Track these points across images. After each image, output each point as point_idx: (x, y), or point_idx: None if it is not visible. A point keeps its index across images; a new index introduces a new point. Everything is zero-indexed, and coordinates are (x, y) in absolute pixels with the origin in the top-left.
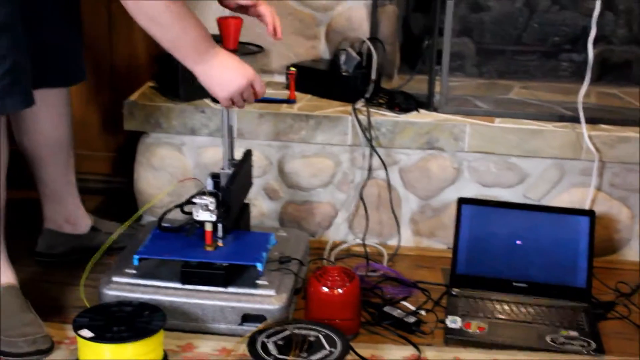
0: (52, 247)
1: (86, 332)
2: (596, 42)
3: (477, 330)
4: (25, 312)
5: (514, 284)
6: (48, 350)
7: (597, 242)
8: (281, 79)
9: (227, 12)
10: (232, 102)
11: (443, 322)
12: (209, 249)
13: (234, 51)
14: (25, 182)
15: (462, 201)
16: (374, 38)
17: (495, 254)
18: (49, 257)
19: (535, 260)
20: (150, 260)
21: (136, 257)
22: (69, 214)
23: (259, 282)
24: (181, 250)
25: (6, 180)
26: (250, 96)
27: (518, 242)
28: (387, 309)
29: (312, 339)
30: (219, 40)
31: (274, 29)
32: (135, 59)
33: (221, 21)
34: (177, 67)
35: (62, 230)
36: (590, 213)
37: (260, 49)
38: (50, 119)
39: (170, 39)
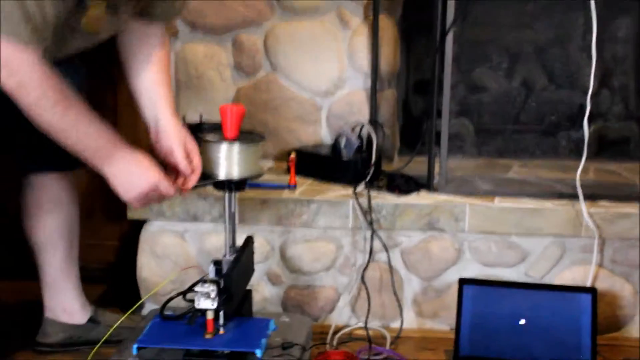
0: (49, 336)
1: None
2: (592, 119)
3: None
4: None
5: None
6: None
7: (600, 320)
8: (283, 164)
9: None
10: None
11: None
12: (209, 336)
13: (235, 140)
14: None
15: (463, 282)
16: (374, 121)
17: (498, 335)
18: (45, 346)
19: (538, 340)
20: (151, 349)
21: (135, 346)
22: (66, 303)
23: None
24: (182, 338)
25: None
26: (157, 198)
27: (521, 321)
28: None
29: None
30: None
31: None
32: (140, 148)
33: (223, 109)
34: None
35: (59, 320)
36: (592, 290)
37: (261, 138)
38: (51, 205)
39: (73, 143)
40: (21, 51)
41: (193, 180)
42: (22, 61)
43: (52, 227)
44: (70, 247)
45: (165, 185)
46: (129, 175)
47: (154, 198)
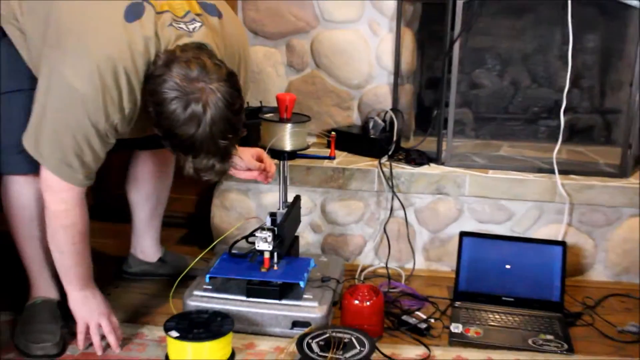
0: (130, 267)
1: (173, 333)
2: (566, 111)
3: (475, 335)
4: (50, 324)
5: (504, 298)
6: (55, 355)
7: (568, 266)
8: (323, 140)
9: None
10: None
11: (448, 328)
12: (265, 270)
13: (288, 120)
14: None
15: (463, 234)
16: (395, 109)
17: (489, 275)
18: (128, 274)
19: (520, 280)
20: (221, 279)
21: (208, 275)
22: (144, 246)
23: (305, 296)
24: (245, 271)
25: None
26: (100, 329)
27: (507, 266)
28: (404, 317)
29: (346, 340)
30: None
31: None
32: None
33: (279, 96)
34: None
35: (137, 257)
36: (563, 243)
37: (308, 118)
38: (145, 175)
39: (62, 263)
40: (73, 189)
41: (272, 172)
42: (74, 195)
43: (144, 191)
44: (156, 206)
45: (108, 323)
46: (86, 306)
47: (97, 328)
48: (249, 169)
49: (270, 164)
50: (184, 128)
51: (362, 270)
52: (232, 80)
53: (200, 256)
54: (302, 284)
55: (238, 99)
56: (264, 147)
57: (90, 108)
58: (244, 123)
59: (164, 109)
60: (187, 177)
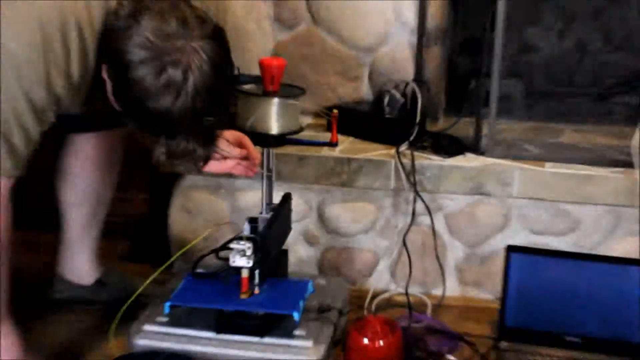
0: (56, 292)
1: None
2: None
3: None
4: None
5: (567, 338)
6: None
7: None
8: (322, 120)
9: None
10: None
11: None
12: (244, 296)
13: (275, 93)
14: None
15: (510, 249)
16: (418, 80)
17: (546, 306)
18: (56, 301)
19: (589, 314)
20: (183, 308)
21: (168, 304)
22: (76, 262)
23: (296, 332)
24: (215, 298)
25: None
26: None
27: (570, 293)
28: None
29: None
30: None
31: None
32: None
33: (263, 62)
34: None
35: (66, 278)
36: None
37: (302, 91)
38: (87, 165)
39: None
40: None
41: (258, 161)
42: None
43: (80, 188)
44: (95, 210)
45: None
46: None
47: None
48: (225, 158)
49: (255, 150)
50: (156, 100)
51: (373, 298)
52: (219, 38)
53: (153, 276)
54: (296, 315)
55: (228, 62)
56: (242, 130)
57: (25, 74)
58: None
59: (129, 75)
60: (139, 168)
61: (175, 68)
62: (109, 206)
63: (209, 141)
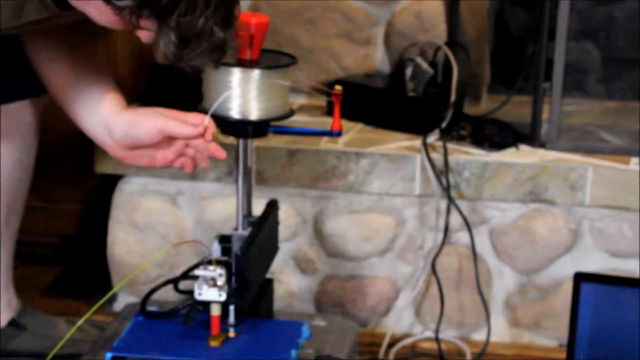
0: None
1: None
2: None
3: None
4: None
5: None
6: None
7: None
8: (320, 101)
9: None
10: None
11: None
12: (214, 343)
13: (254, 62)
14: None
15: (581, 277)
16: (454, 43)
17: (628, 353)
18: None
19: None
20: None
21: (109, 355)
22: None
23: None
24: (174, 346)
25: None
26: None
27: None
28: None
29: None
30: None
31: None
32: (115, 71)
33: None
34: (175, 77)
35: None
36: None
37: (292, 60)
38: None
39: None
40: None
41: (209, 138)
42: None
43: None
44: (6, 224)
45: None
46: None
47: None
48: (150, 147)
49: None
50: None
51: (391, 345)
52: None
53: (85, 317)
54: None
55: None
56: (206, 112)
57: None
58: None
59: None
60: (67, 170)
61: None
62: (22, 214)
63: (229, 21)
